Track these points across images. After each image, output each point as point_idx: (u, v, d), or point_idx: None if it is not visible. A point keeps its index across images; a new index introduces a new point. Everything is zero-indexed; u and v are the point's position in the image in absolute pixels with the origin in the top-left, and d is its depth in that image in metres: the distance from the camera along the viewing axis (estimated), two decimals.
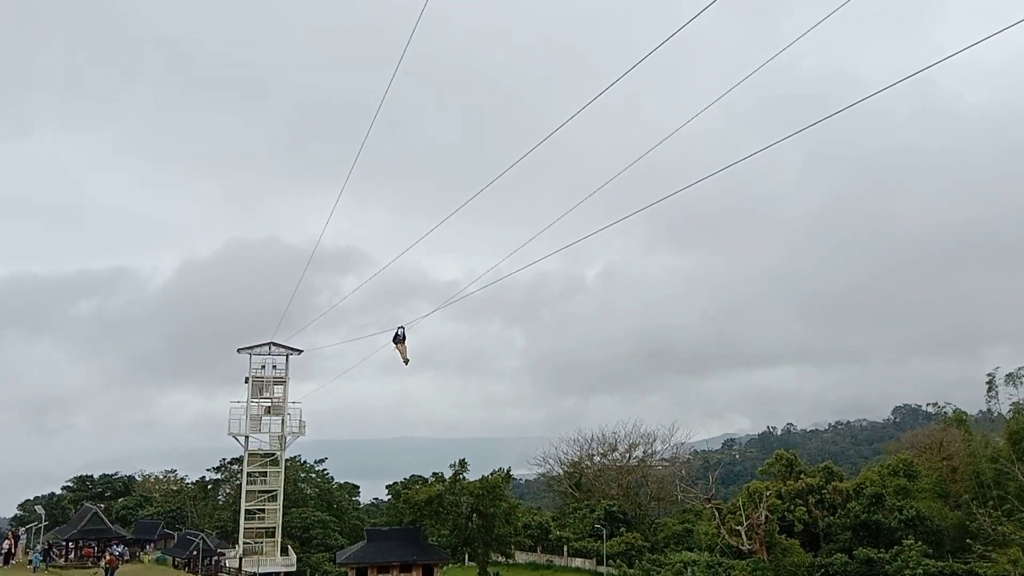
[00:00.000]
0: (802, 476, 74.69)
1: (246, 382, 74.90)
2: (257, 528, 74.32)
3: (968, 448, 70.97)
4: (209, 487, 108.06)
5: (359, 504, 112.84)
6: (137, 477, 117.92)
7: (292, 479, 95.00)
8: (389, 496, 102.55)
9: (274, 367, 76.14)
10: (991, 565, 55.34)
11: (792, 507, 69.46)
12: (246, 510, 73.76)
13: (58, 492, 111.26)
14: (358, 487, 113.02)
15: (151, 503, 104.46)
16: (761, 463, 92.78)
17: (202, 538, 73.37)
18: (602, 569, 76.05)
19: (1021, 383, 71.06)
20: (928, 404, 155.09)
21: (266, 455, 75.48)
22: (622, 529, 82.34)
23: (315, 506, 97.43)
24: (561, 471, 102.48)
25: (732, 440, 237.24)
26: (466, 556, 74.82)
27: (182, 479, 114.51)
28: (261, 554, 72.76)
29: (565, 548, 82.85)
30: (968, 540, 59.45)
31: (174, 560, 72.33)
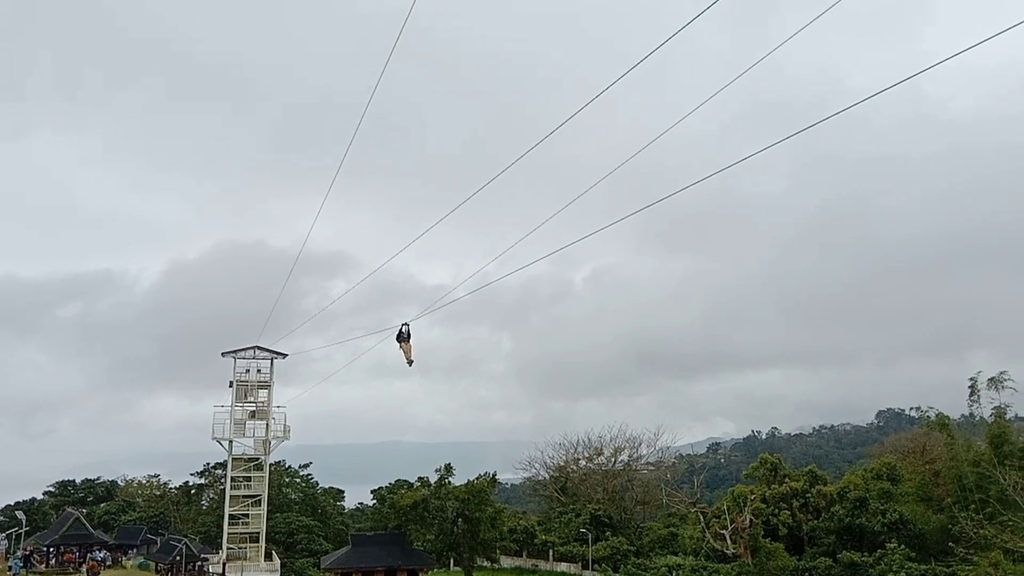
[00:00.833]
0: (787, 480, 74.96)
1: (230, 386, 74.56)
2: (241, 533, 73.91)
3: (951, 452, 71.35)
4: (193, 492, 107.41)
5: (344, 509, 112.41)
6: (120, 482, 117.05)
7: (276, 484, 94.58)
8: (374, 501, 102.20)
9: (259, 371, 75.78)
10: (973, 568, 55.70)
11: (777, 511, 69.73)
12: (230, 515, 73.35)
13: (39, 497, 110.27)
14: (343, 492, 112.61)
15: (134, 508, 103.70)
16: (746, 467, 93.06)
17: (185, 543, 72.93)
18: (587, 573, 76.11)
19: (1003, 387, 71.56)
20: (911, 408, 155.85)
21: (250, 460, 75.11)
22: (607, 533, 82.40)
23: (300, 511, 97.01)
24: (547, 475, 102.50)
25: (717, 444, 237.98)
26: (451, 561, 74.68)
27: (165, 484, 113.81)
28: (245, 559, 72.36)
29: (550, 552, 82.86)
30: (950, 543, 59.78)
31: (157, 565, 71.87)
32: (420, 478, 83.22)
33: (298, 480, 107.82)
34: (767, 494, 71.75)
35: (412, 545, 70.28)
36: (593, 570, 76.46)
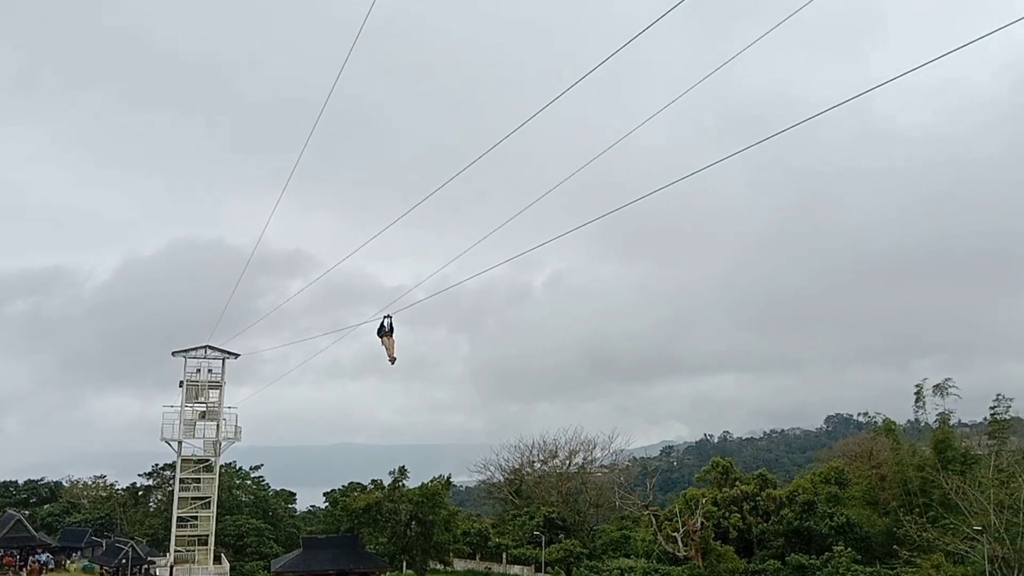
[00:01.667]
0: (737, 483, 76.03)
1: (180, 386, 73.33)
2: (189, 536, 72.64)
3: (896, 457, 72.98)
4: (140, 493, 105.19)
5: (295, 511, 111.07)
6: (65, 483, 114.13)
7: (226, 486, 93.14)
8: (327, 503, 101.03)
9: (210, 371, 74.63)
10: (916, 570, 57.05)
11: (727, 514, 70.65)
12: (178, 517, 72.06)
13: None
14: (295, 494, 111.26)
15: (79, 510, 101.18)
16: (698, 470, 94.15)
17: (132, 546, 71.33)
18: None
19: (947, 394, 73.53)
20: (859, 413, 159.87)
21: (200, 461, 73.89)
22: (561, 536, 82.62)
23: (250, 513, 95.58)
24: (502, 478, 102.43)
25: (670, 447, 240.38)
26: (404, 564, 74.21)
27: (112, 485, 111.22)
28: (193, 562, 71.16)
29: (504, 555, 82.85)
30: (895, 546, 61.17)
31: (101, 568, 70.18)
32: (373, 480, 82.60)
33: (249, 482, 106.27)
34: (718, 497, 72.66)
35: (364, 548, 69.73)
36: (546, 573, 76.63)
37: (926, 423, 76.64)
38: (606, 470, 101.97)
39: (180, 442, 72.64)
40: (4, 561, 68.09)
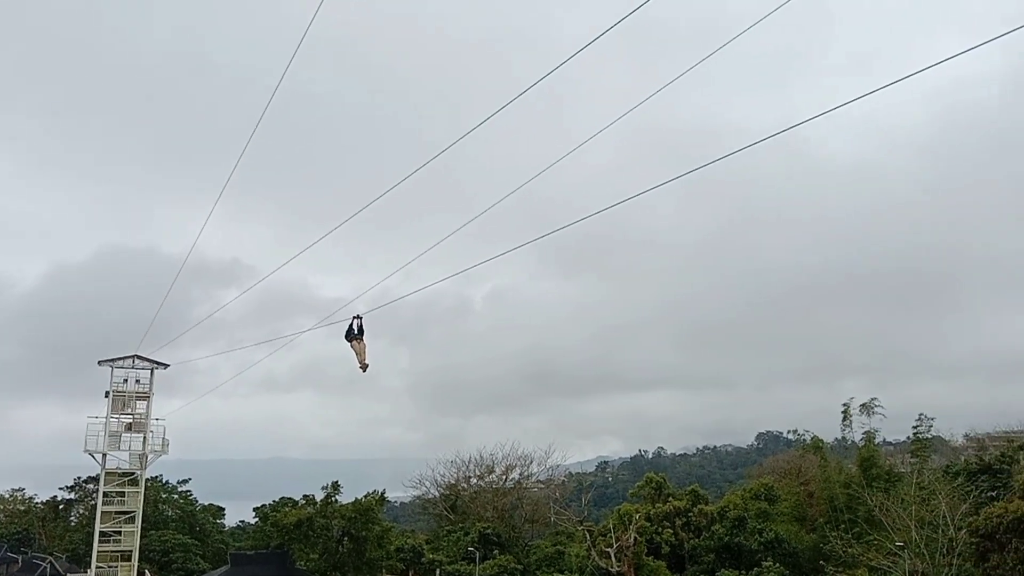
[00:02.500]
0: (670, 499, 76.86)
1: (106, 396, 71.06)
2: (112, 551, 70.17)
3: (824, 474, 74.74)
4: (61, 507, 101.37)
5: (224, 527, 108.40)
6: None
7: (152, 500, 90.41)
8: (256, 519, 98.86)
9: (137, 381, 72.48)
10: None
11: (660, 529, 71.30)
12: (101, 532, 69.62)
13: None
14: (223, 509, 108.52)
15: None
16: (632, 485, 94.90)
17: (50, 562, 68.89)
18: None
19: (873, 413, 75.84)
20: (789, 431, 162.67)
21: (125, 474, 71.60)
22: (495, 552, 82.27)
23: (176, 528, 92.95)
24: (437, 493, 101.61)
25: (606, 462, 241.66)
26: None
27: (31, 498, 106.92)
28: None
29: (438, 571, 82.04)
30: (821, 562, 62.56)
31: None
32: (305, 496, 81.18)
33: (176, 496, 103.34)
34: (651, 513, 73.32)
35: (295, 564, 68.48)
36: None
37: (852, 441, 78.85)
38: (542, 485, 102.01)
39: (104, 454, 70.28)
40: None
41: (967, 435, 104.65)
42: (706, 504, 76.44)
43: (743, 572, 64.84)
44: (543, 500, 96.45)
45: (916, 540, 54.88)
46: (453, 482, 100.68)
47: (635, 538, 66.07)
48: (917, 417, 77.84)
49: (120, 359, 71.49)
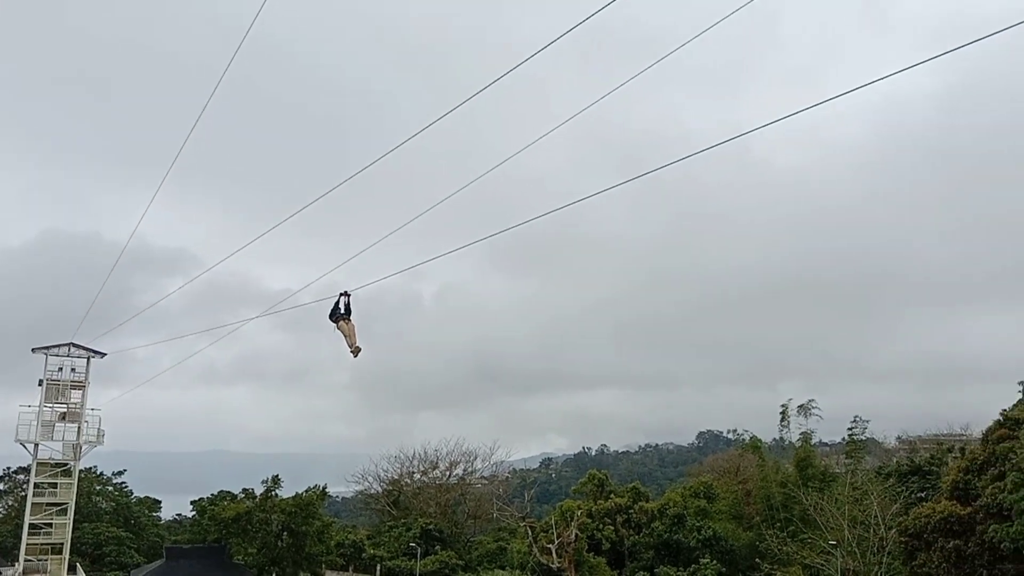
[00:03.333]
0: (612, 496, 77.61)
1: (40, 385, 68.97)
2: (42, 544, 68.15)
3: (761, 473, 76.20)
4: None
5: (160, 520, 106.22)
6: None
7: (86, 492, 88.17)
8: (194, 512, 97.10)
9: (73, 370, 70.47)
10: None
11: (601, 526, 71.98)
12: (30, 524, 67.57)
13: None
14: (160, 502, 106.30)
15: None
16: (576, 482, 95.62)
17: None
18: None
19: (810, 415, 77.71)
20: (729, 430, 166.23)
21: (58, 465, 69.61)
22: (437, 547, 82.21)
23: (110, 521, 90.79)
24: (380, 489, 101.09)
25: (550, 459, 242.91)
26: (273, 575, 72.15)
27: None
28: (45, 572, 66.86)
29: (378, 567, 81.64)
30: (757, 559, 63.83)
31: None
32: (245, 489, 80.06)
33: (110, 488, 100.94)
34: (593, 509, 73.94)
35: (232, 559, 67.44)
36: None
37: (790, 441, 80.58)
38: (486, 482, 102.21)
39: (36, 444, 68.20)
40: None
41: (899, 437, 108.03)
42: (647, 501, 77.38)
43: (681, 569, 65.80)
44: (486, 496, 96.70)
45: (848, 539, 56.34)
46: (396, 478, 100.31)
47: (576, 534, 66.52)
48: (852, 419, 80.00)
49: (55, 347, 69.39)
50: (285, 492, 74.72)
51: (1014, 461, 47.79)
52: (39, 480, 68.76)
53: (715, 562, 64.79)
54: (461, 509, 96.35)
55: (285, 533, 68.27)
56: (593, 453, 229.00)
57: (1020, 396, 59.17)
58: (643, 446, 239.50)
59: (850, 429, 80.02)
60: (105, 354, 71.24)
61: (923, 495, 62.19)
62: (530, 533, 70.69)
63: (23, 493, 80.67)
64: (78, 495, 72.78)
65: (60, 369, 70.02)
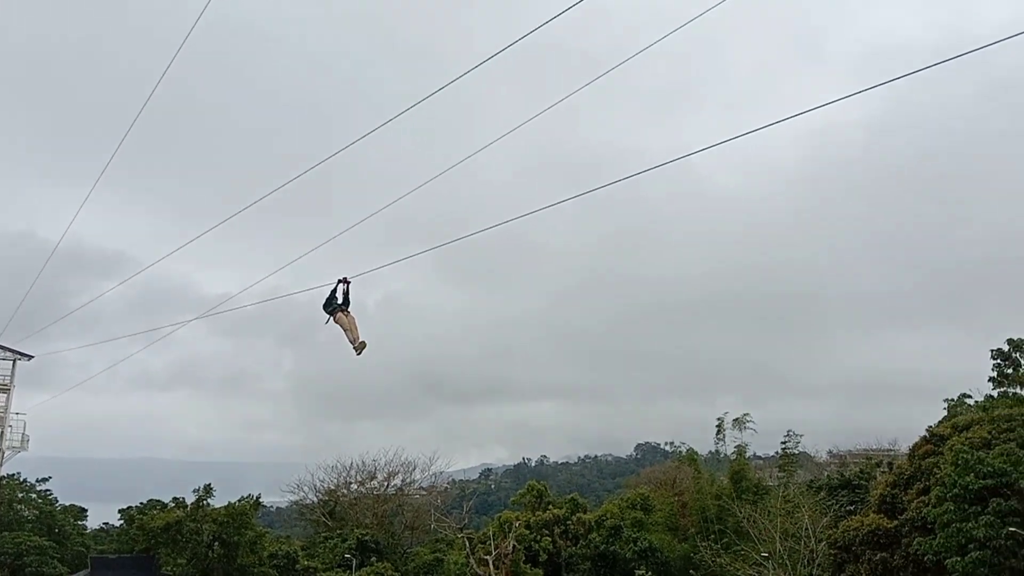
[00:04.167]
0: (550, 507, 77.77)
1: None
2: None
3: (697, 485, 77.16)
4: None
5: (86, 529, 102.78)
6: None
7: (7, 499, 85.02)
8: (122, 521, 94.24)
9: None
10: None
11: (539, 537, 72.04)
12: None
13: None
14: (85, 510, 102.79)
15: None
16: (515, 493, 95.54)
17: None
18: None
19: (745, 428, 78.98)
20: (666, 442, 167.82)
21: None
22: (373, 559, 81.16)
23: (32, 530, 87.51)
24: (316, 499, 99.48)
25: (489, 470, 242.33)
26: None
27: None
28: None
29: None
30: (691, 571, 64.63)
31: None
32: (176, 498, 78.03)
33: (34, 496, 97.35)
34: (531, 521, 73.99)
35: (160, 570, 65.71)
36: None
37: (725, 454, 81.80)
38: (424, 492, 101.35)
39: None
40: None
41: (830, 452, 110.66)
42: (585, 512, 77.68)
43: None
44: (424, 507, 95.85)
45: (780, 551, 57.40)
46: (333, 488, 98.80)
47: (514, 546, 66.50)
48: (786, 433, 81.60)
49: None
50: (218, 501, 73.15)
51: (938, 476, 49.35)
52: None
53: (650, 573, 65.36)
54: (398, 520, 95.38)
55: (216, 543, 66.75)
56: (533, 464, 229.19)
57: (945, 413, 61.01)
58: (583, 457, 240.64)
59: (783, 443, 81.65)
60: (32, 356, 69.08)
61: (852, 508, 63.70)
62: (467, 544, 70.40)
63: None
64: None
65: None
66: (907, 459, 59.18)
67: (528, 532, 71.28)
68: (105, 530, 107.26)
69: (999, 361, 46.54)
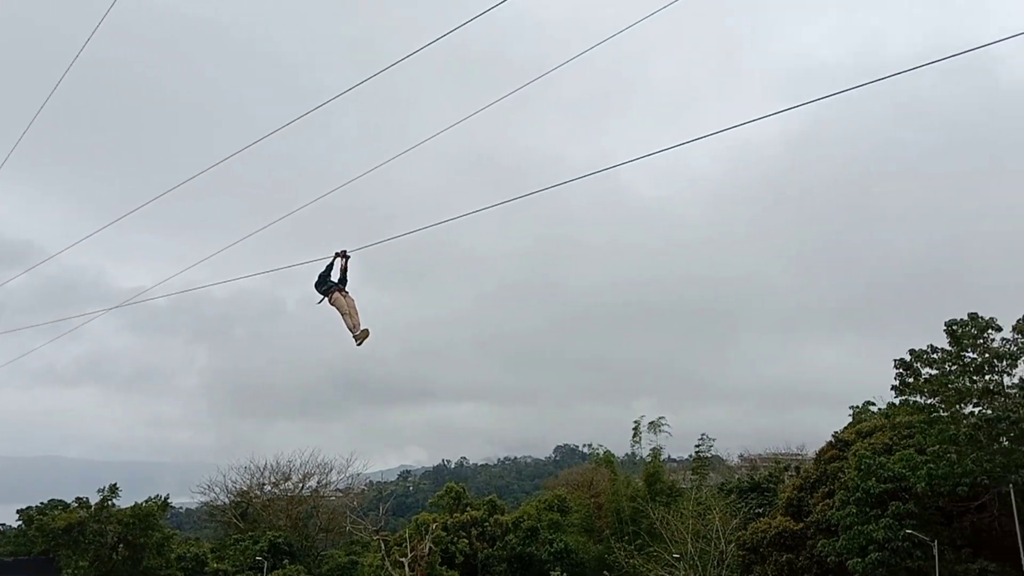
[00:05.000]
0: (468, 509, 77.69)
1: None
2: None
3: (613, 487, 78.18)
4: None
5: None
6: None
7: None
8: (20, 522, 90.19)
9: None
10: None
11: (456, 539, 71.87)
12: None
13: None
14: None
15: None
16: (433, 495, 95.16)
17: None
18: None
19: (660, 431, 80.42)
20: (585, 445, 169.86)
21: None
22: (286, 561, 79.71)
23: None
24: (227, 500, 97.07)
25: (408, 471, 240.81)
26: None
27: None
28: None
29: None
30: (605, 572, 65.43)
31: None
32: (79, 498, 75.11)
33: None
34: (449, 522, 73.78)
35: (60, 572, 63.09)
36: None
37: (641, 457, 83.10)
38: (340, 494, 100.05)
39: None
40: None
41: (742, 455, 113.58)
42: (502, 514, 77.89)
43: None
44: (340, 509, 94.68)
45: (691, 552, 58.57)
46: (245, 489, 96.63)
47: (430, 548, 66.15)
48: (700, 437, 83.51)
49: None
50: (124, 502, 70.83)
51: (842, 480, 51.22)
52: None
53: (565, 574, 65.94)
54: (313, 522, 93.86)
55: (121, 546, 64.53)
56: (452, 466, 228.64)
57: (850, 419, 63.40)
58: (502, 459, 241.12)
59: (697, 446, 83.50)
60: None
61: (761, 511, 65.49)
62: (383, 546, 69.71)
63: None
64: None
65: None
66: (814, 463, 61.29)
67: (445, 534, 71.05)
68: (2, 531, 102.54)
69: (901, 371, 48.44)
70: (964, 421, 45.95)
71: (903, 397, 49.45)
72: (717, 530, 58.54)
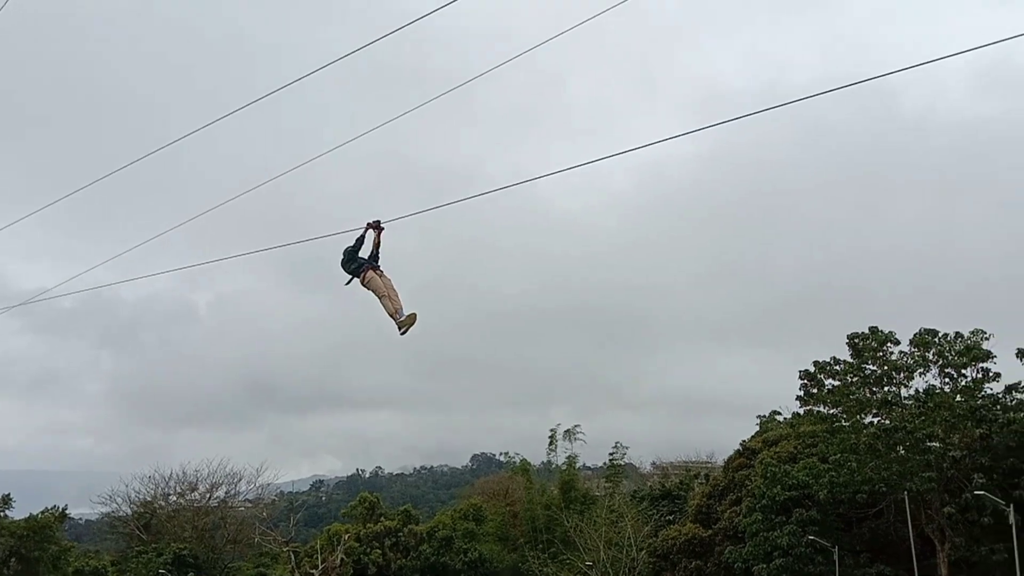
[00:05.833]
0: (382, 519, 76.87)
1: None
2: None
3: (528, 495, 78.36)
4: None
5: None
6: None
7: None
8: None
9: None
10: None
11: (369, 550, 71.00)
12: None
13: None
14: None
15: None
16: (347, 505, 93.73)
17: None
18: None
19: (575, 439, 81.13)
20: (501, 453, 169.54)
21: None
22: (191, 573, 77.39)
23: None
24: (130, 511, 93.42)
25: (321, 481, 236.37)
26: None
27: None
28: None
29: None
30: None
31: None
32: None
33: None
34: (362, 533, 72.87)
35: None
36: None
37: (556, 465, 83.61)
38: (250, 505, 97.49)
39: None
40: None
41: (654, 463, 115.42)
42: (417, 524, 77.33)
43: None
44: (249, 520, 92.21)
45: (604, 560, 59.29)
46: (149, 499, 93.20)
47: (342, 559, 65.25)
48: (614, 445, 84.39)
49: None
50: (19, 513, 67.72)
51: (749, 488, 52.69)
52: None
53: None
54: (220, 533, 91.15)
55: (14, 559, 61.49)
56: (367, 475, 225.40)
57: (758, 428, 65.29)
58: (418, 468, 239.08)
59: (611, 454, 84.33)
60: None
61: (672, 518, 66.74)
62: (293, 558, 68.41)
63: None
64: None
65: None
66: (722, 471, 62.91)
67: (358, 545, 70.13)
68: None
69: (806, 382, 50.26)
70: (864, 431, 47.88)
71: (807, 407, 51.24)
72: (629, 537, 59.44)
